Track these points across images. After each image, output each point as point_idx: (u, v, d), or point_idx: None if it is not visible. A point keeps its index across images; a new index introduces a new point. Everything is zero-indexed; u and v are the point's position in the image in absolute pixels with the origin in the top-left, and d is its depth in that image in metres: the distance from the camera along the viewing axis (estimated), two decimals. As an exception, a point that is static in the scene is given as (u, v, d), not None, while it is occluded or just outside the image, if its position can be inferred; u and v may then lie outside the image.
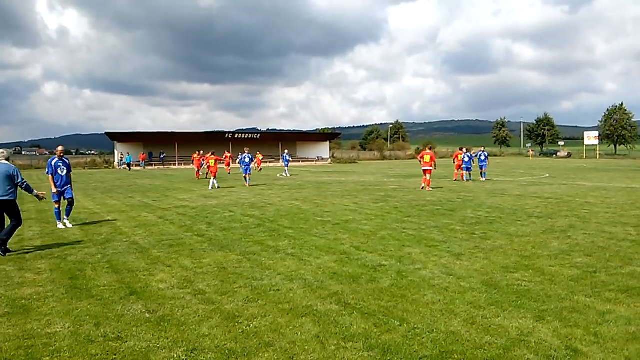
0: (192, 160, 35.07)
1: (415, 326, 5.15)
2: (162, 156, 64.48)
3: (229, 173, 35.57)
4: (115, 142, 64.04)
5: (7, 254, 8.96)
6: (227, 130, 73.92)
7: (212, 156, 25.48)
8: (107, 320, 5.47)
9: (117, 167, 58.49)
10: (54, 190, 11.79)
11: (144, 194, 22.09)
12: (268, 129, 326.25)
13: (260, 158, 40.42)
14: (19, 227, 9.51)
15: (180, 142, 65.59)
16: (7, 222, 9.31)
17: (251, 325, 5.26)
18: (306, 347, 4.67)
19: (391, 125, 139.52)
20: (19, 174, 9.29)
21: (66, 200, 12.13)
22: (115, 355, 4.58)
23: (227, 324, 5.30)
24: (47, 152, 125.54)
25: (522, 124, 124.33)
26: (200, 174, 32.77)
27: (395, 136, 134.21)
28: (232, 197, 19.60)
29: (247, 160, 25.81)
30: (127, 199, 19.45)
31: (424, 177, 21.78)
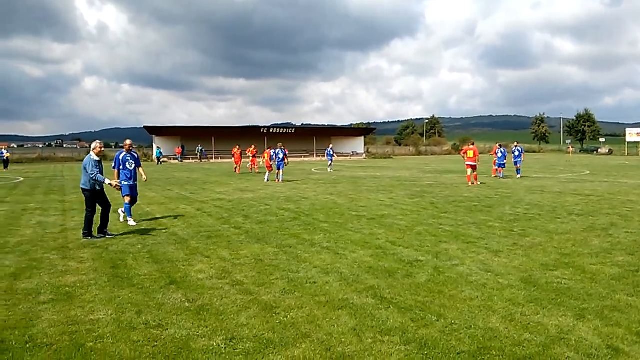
0: (233, 155, 34.90)
1: (453, 322, 5.12)
2: (202, 151, 62.78)
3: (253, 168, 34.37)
4: (154, 135, 64.93)
5: (108, 236, 9.87)
6: (263, 125, 74.27)
7: (268, 150, 27.10)
8: (148, 309, 5.61)
9: (155, 161, 59.41)
10: (114, 184, 11.40)
11: (182, 186, 22.48)
12: (303, 124, 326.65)
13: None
14: (109, 210, 10.14)
15: (217, 136, 66.10)
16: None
17: (288, 316, 5.32)
18: (343, 340, 4.70)
19: (427, 120, 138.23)
20: (88, 165, 9.52)
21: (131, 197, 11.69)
22: (156, 342, 4.69)
23: (264, 315, 5.37)
24: (87, 145, 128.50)
25: (561, 119, 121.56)
26: (239, 169, 32.96)
27: (431, 131, 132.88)
28: (267, 190, 19.77)
29: (280, 155, 25.90)
30: (165, 192, 19.82)
31: (473, 172, 22.16)
